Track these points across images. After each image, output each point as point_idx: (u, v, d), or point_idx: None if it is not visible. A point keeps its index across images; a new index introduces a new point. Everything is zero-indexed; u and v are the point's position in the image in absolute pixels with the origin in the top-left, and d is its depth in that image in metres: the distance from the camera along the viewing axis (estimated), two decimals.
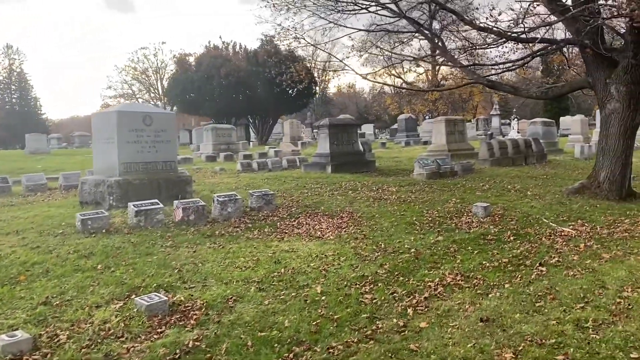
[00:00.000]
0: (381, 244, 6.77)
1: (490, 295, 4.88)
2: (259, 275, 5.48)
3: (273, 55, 32.14)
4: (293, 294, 4.93)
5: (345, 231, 7.65)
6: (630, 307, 4.47)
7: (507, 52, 10.69)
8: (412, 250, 6.46)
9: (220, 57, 34.02)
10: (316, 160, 15.24)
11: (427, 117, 56.67)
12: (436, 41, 11.97)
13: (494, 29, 9.23)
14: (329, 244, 6.86)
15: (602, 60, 9.91)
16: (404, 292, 5.01)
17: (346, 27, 12.82)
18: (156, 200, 8.12)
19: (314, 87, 37.72)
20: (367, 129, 50.04)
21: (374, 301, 4.76)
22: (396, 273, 5.59)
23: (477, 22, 9.61)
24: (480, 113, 59.35)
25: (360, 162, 15.63)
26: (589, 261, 5.91)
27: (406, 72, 44.74)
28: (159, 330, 4.16)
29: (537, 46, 10.90)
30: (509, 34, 9.28)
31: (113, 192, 9.05)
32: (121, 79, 61.17)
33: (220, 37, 77.40)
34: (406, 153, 22.48)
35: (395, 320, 4.34)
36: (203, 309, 4.55)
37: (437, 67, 52.25)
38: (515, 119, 36.78)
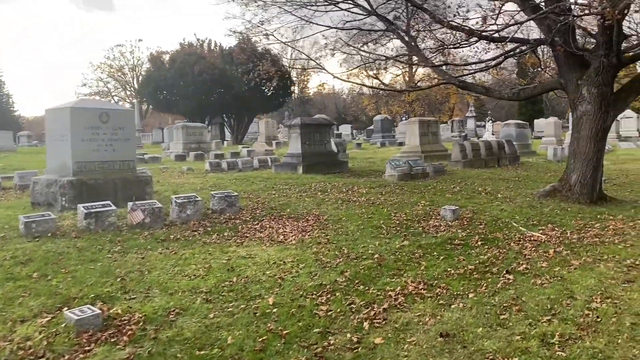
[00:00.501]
0: (344, 249, 6.44)
1: (452, 306, 4.58)
2: (209, 284, 5.09)
3: (249, 54, 31.60)
4: (242, 306, 4.55)
5: (309, 235, 7.30)
6: (598, 319, 4.21)
7: (479, 52, 10.51)
8: (376, 256, 6.14)
9: (194, 55, 33.34)
10: (287, 160, 14.87)
11: (404, 118, 56.78)
12: (408, 40, 11.71)
13: (464, 27, 8.98)
14: (290, 249, 6.50)
15: (574, 61, 9.77)
16: (362, 302, 4.68)
17: (317, 24, 12.49)
18: (108, 202, 7.65)
19: (290, 87, 37.27)
20: (345, 129, 49.89)
21: (329, 313, 4.42)
22: (357, 281, 5.27)
23: (448, 20, 9.35)
24: (457, 115, 59.61)
25: (333, 162, 15.32)
26: (557, 268, 5.67)
27: (381, 72, 44.71)
28: (87, 348, 3.75)
29: (510, 46, 10.72)
30: (480, 32, 9.05)
31: (66, 193, 8.54)
32: (96, 77, 59.96)
33: (195, 35, 76.22)
34: (381, 154, 22.26)
35: (349, 335, 4.00)
36: (140, 324, 4.15)
37: (415, 69, 52.51)
38: (490, 121, 36.98)
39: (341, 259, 6.02)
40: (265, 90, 34.33)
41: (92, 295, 4.70)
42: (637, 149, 25.12)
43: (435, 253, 6.31)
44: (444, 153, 18.54)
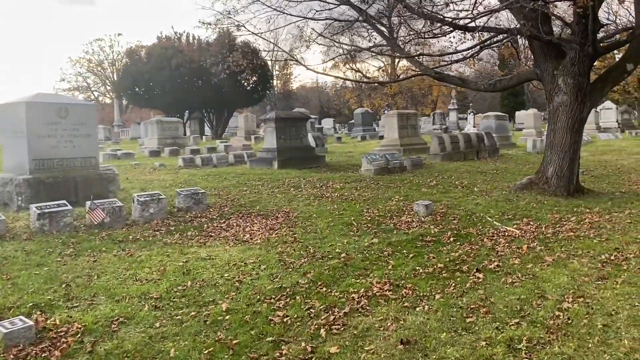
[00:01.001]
0: (311, 249, 6.15)
1: (417, 309, 4.32)
2: (161, 289, 4.77)
3: (220, 47, 31.16)
4: (193, 313, 4.24)
5: (276, 234, 7.00)
6: (569, 321, 3.98)
7: (456, 43, 10.27)
8: (343, 255, 5.86)
9: (171, 48, 32.67)
10: (263, 155, 14.53)
11: (386, 111, 56.63)
12: (383, 30, 11.42)
13: (436, 15, 8.72)
14: (253, 249, 6.20)
15: (550, 51, 9.57)
16: (322, 306, 4.40)
17: (290, 14, 12.13)
18: (64, 202, 7.26)
19: (269, 80, 36.78)
20: (327, 123, 49.53)
21: (285, 320, 4.13)
22: (319, 283, 4.98)
23: (421, 8, 9.07)
24: (440, 107, 59.61)
25: (310, 157, 15.02)
26: (530, 265, 5.45)
27: (363, 65, 44.53)
28: None
29: (486, 36, 10.49)
30: (452, 20, 8.79)
31: (22, 192, 8.12)
32: (75, 72, 58.73)
33: (172, 28, 74.97)
34: (361, 148, 22.00)
35: (303, 344, 3.72)
36: (78, 335, 3.82)
37: (397, 61, 52.27)
38: (472, 113, 36.95)
39: (306, 259, 5.73)
40: (245, 83, 33.98)
41: (31, 304, 4.35)
42: (616, 140, 25.18)
43: (405, 251, 6.05)
44: (424, 146, 18.34)
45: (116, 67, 56.12)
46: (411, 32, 9.83)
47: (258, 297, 4.61)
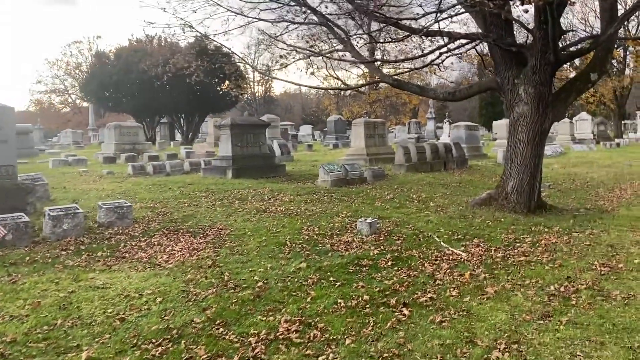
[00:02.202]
0: (226, 276, 5.42)
1: (320, 359, 3.61)
2: (21, 329, 3.98)
3: (198, 51, 30.28)
4: None
5: (197, 255, 6.25)
6: None
7: (415, 49, 9.67)
8: (260, 284, 5.14)
9: (140, 51, 31.69)
10: (217, 163, 13.75)
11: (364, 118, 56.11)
12: (341, 34, 10.76)
13: (390, 19, 8.09)
14: (160, 275, 5.44)
15: (511, 59, 9.01)
16: (206, 356, 3.66)
17: (245, 16, 11.41)
18: None
19: (240, 84, 35.96)
20: (305, 130, 48.91)
21: None
22: (218, 321, 4.24)
23: (374, 11, 8.43)
24: (422, 117, 59.38)
25: (269, 166, 14.27)
26: (467, 298, 4.78)
27: (340, 72, 43.96)
28: None
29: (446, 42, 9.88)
30: (407, 25, 8.17)
31: None
32: (52, 74, 57.05)
33: (143, 30, 73.47)
34: (330, 156, 21.31)
35: None
36: None
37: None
38: (448, 123, 36.62)
39: (215, 290, 4.99)
40: (218, 89, 33.16)
41: None
42: (589, 152, 24.91)
43: (333, 278, 5.34)
44: (392, 156, 17.67)
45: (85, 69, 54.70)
46: (364, 36, 9.17)
47: (135, 341, 3.85)
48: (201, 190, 10.93)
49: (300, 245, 6.60)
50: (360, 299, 4.76)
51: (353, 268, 5.70)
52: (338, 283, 5.20)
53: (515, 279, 5.40)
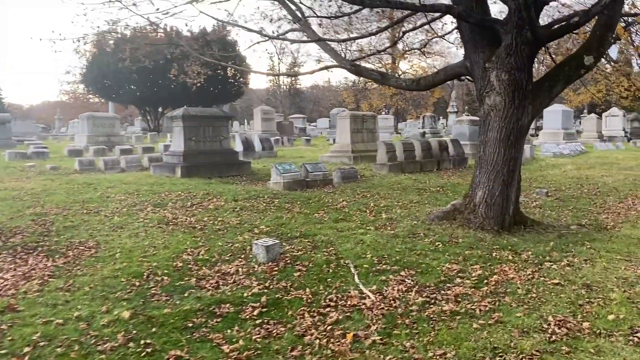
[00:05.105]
0: (4, 327, 3.86)
1: None
2: None
3: (199, 40, 28.97)
4: None
5: (15, 289, 4.72)
6: None
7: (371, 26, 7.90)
8: (28, 348, 3.56)
9: (141, 38, 30.54)
10: (168, 159, 12.26)
11: (384, 112, 53.94)
12: (294, 10, 9.05)
13: None
14: None
15: (482, 38, 7.17)
16: None
17: None
18: None
19: (239, 75, 34.40)
20: (323, 123, 46.99)
21: None
22: None
23: None
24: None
25: (230, 163, 12.72)
26: None
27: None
28: None
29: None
30: None
31: None
32: (81, 64, 56.91)
33: (147, 18, 72.23)
34: (319, 152, 19.61)
35: None
36: None
37: (398, 58, 49.50)
38: (466, 117, 34.30)
39: None
40: (221, 78, 31.76)
41: None
42: (615, 151, 22.49)
43: (154, 337, 3.72)
44: None
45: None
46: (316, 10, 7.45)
47: None
48: (128, 192, 9.44)
49: (160, 277, 4.99)
50: None
51: (193, 322, 4.06)
52: (149, 349, 3.57)
53: (415, 346, 3.67)
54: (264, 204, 8.54)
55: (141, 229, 6.75)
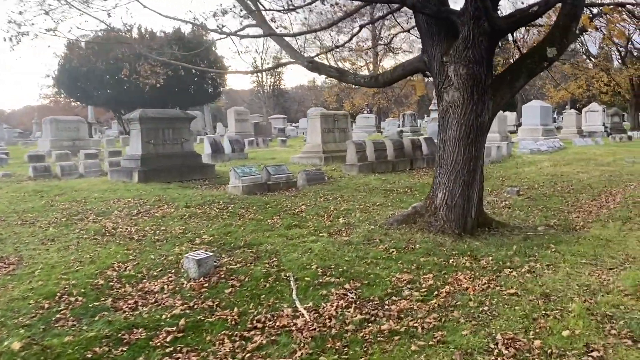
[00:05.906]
0: None
1: None
2: None
3: (173, 41, 28.49)
4: None
5: None
6: None
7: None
8: None
9: (112, 40, 29.85)
10: (125, 164, 11.69)
11: (365, 111, 53.53)
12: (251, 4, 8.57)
13: None
14: None
15: (440, 30, 6.74)
16: None
17: None
18: None
19: (218, 80, 33.86)
20: (304, 123, 46.44)
21: None
22: None
23: None
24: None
25: (192, 167, 12.18)
26: None
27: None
28: None
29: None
30: None
31: None
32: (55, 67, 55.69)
33: (121, 18, 71.12)
34: (293, 152, 19.13)
35: None
36: None
37: (379, 58, 49.10)
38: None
39: None
40: (196, 80, 31.16)
41: None
42: (593, 147, 22.28)
43: None
44: None
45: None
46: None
47: None
48: (75, 199, 8.89)
49: (73, 298, 4.48)
50: None
51: (103, 348, 3.58)
52: None
53: None
54: (217, 210, 8.05)
55: (74, 241, 6.22)
